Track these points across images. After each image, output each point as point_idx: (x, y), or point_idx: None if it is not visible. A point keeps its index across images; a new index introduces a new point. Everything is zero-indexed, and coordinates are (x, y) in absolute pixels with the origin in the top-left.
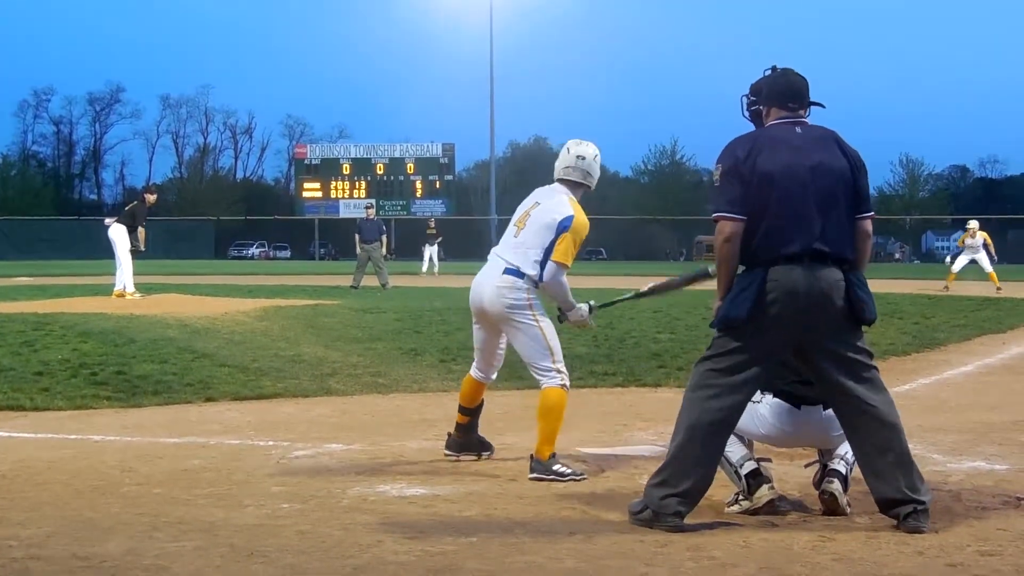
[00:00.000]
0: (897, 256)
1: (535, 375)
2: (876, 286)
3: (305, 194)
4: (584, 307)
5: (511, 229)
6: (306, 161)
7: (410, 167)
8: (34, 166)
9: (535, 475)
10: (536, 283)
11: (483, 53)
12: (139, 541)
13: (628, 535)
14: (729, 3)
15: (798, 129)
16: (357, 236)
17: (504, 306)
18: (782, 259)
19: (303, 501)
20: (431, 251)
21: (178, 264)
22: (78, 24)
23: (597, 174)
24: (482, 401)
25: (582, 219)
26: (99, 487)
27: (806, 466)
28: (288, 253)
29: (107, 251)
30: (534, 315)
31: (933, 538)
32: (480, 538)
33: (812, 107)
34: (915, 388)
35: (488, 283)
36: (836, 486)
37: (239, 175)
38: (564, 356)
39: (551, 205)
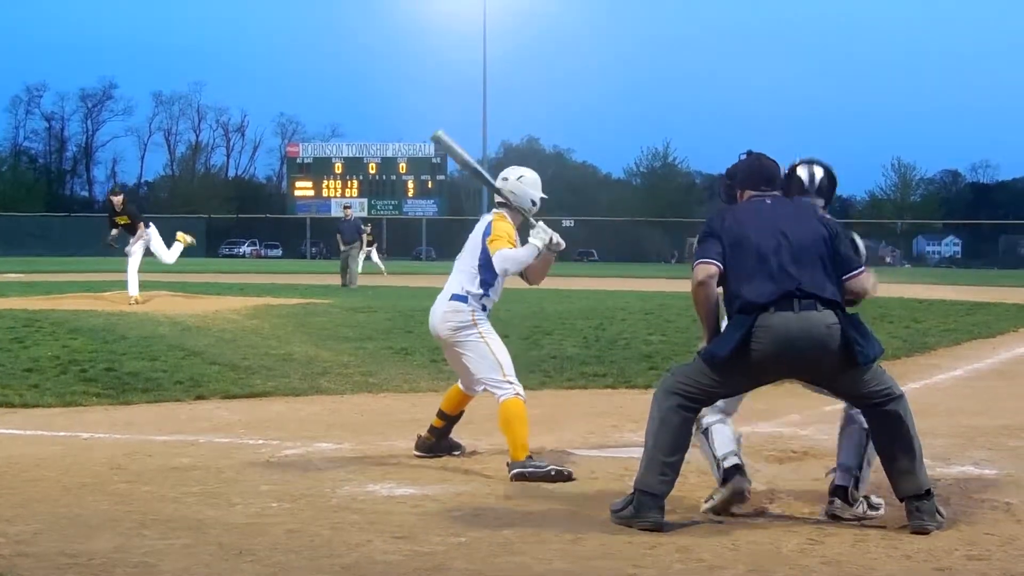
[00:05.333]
0: (888, 260)
1: (490, 390)
2: None
3: (297, 193)
4: (538, 229)
5: (457, 259)
6: (298, 160)
7: (402, 167)
8: (25, 162)
9: (515, 472)
10: (483, 297)
11: (476, 53)
12: (128, 538)
13: (617, 536)
14: (722, 6)
15: (768, 201)
16: (339, 236)
17: (449, 328)
18: (772, 307)
19: (292, 500)
20: (369, 251)
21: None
22: (71, 20)
23: (528, 192)
24: (462, 412)
25: (502, 224)
26: (88, 484)
27: (827, 475)
28: (279, 252)
29: (99, 248)
30: (479, 332)
31: (921, 542)
32: (469, 538)
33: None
34: (905, 392)
35: (437, 311)
36: (836, 505)
37: (231, 173)
38: (554, 357)
39: (478, 226)
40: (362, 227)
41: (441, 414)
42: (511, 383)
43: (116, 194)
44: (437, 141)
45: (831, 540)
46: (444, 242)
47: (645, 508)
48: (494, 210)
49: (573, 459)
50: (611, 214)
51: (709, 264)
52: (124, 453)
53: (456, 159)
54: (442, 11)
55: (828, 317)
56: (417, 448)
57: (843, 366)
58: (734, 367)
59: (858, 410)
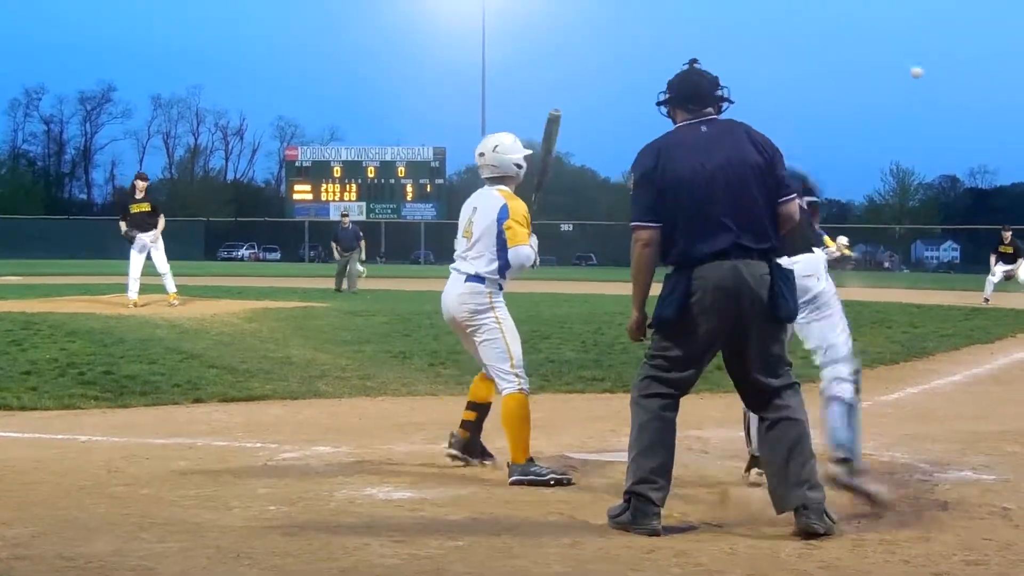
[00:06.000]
0: (886, 265)
1: (495, 378)
2: (867, 294)
3: (295, 196)
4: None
5: (461, 241)
6: (297, 163)
7: (401, 170)
8: (24, 165)
9: (515, 479)
10: (499, 280)
11: (475, 57)
12: (125, 542)
13: (615, 540)
14: (721, 10)
15: (703, 128)
16: (334, 244)
17: (467, 310)
18: (708, 257)
19: (290, 503)
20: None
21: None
22: (69, 23)
23: (509, 158)
24: (490, 402)
25: (516, 204)
26: (86, 487)
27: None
28: (278, 255)
29: (97, 251)
30: (496, 318)
31: (920, 547)
32: (467, 542)
33: (725, 103)
34: (903, 397)
35: (453, 293)
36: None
37: (230, 176)
38: (552, 361)
39: (487, 205)
40: (360, 234)
41: (471, 405)
42: (518, 376)
43: (144, 178)
44: (553, 121)
45: (829, 545)
46: (443, 246)
47: (642, 514)
48: (498, 187)
49: (571, 463)
50: (610, 218)
51: (650, 228)
52: (122, 456)
53: (546, 147)
54: (441, 14)
55: (761, 267)
56: (451, 447)
57: (764, 320)
58: (685, 327)
59: (834, 382)
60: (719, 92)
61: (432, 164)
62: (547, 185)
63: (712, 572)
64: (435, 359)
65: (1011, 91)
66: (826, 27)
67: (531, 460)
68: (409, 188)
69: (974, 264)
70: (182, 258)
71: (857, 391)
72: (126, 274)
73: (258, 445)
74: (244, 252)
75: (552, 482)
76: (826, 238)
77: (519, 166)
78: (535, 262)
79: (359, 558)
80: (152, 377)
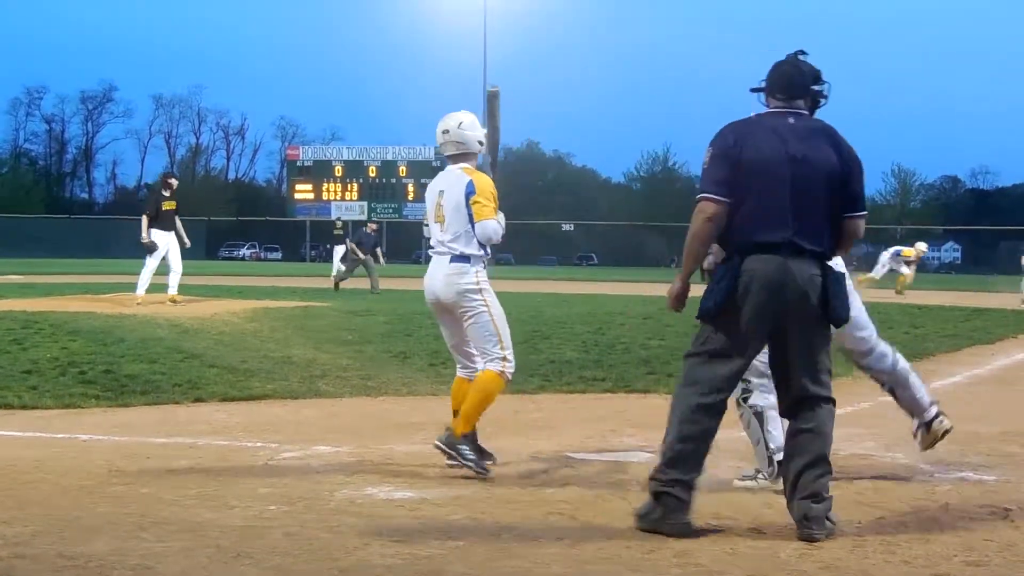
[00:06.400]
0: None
1: (479, 356)
2: (868, 295)
3: (297, 196)
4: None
5: (435, 226)
6: (298, 163)
7: (402, 170)
8: (25, 164)
9: (441, 446)
10: (483, 256)
11: (477, 57)
12: (125, 541)
13: (615, 541)
14: (723, 10)
15: (791, 119)
16: (356, 244)
17: (456, 291)
18: (757, 248)
19: (290, 503)
20: (342, 251)
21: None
22: (71, 22)
23: (472, 135)
24: None
25: (481, 179)
26: (86, 486)
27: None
28: (279, 254)
29: (98, 250)
30: (484, 300)
31: (920, 547)
32: (467, 542)
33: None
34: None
35: (439, 274)
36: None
37: (231, 176)
38: (553, 361)
39: (453, 186)
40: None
41: (457, 414)
42: (506, 359)
43: (176, 177)
44: (493, 96)
45: (829, 545)
46: None
47: (671, 510)
48: (461, 165)
49: (572, 463)
50: (611, 218)
51: (717, 203)
52: (122, 455)
53: (492, 124)
54: (442, 14)
55: (812, 268)
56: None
57: (810, 322)
58: (727, 319)
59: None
60: (816, 87)
61: (433, 164)
62: (496, 161)
63: (712, 573)
64: (436, 359)
65: (1013, 92)
66: (827, 28)
67: (467, 436)
68: (410, 188)
69: (975, 265)
70: (184, 257)
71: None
72: (128, 272)
73: (259, 445)
74: (245, 252)
75: (475, 469)
76: None
77: (481, 143)
78: (502, 235)
79: (359, 558)
80: (153, 376)
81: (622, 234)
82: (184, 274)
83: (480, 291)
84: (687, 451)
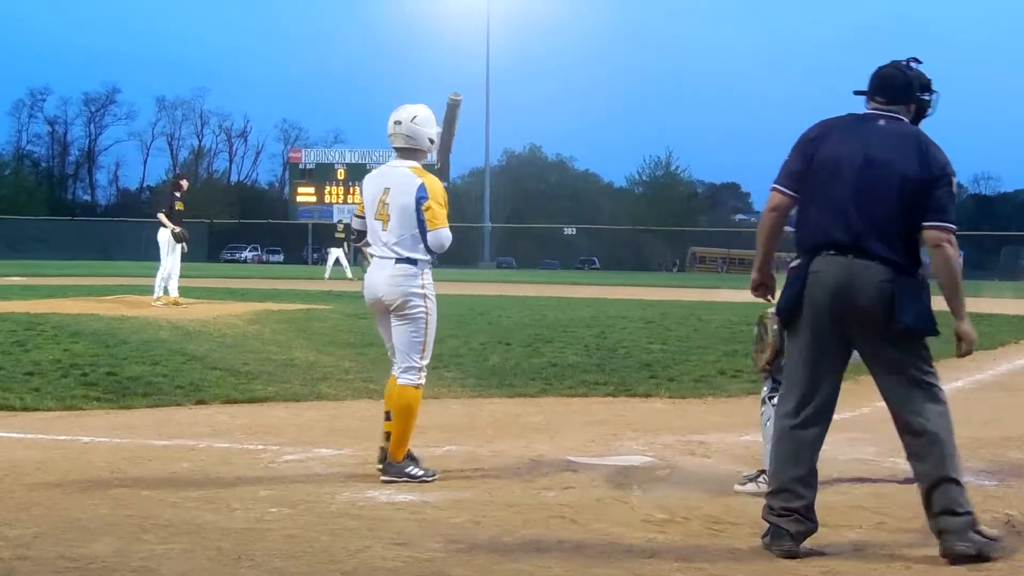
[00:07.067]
0: None
1: (398, 362)
2: None
3: (299, 198)
4: None
5: (375, 224)
6: (301, 166)
7: None
8: (28, 166)
9: (388, 478)
10: (429, 259)
11: (479, 61)
12: (127, 543)
13: (616, 544)
14: (725, 15)
15: (882, 122)
16: (367, 250)
17: (400, 292)
18: (826, 246)
19: (292, 505)
20: (337, 254)
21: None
22: (74, 24)
23: (425, 131)
24: None
25: (433, 183)
26: (88, 488)
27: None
28: (281, 257)
29: (101, 252)
30: (425, 307)
31: (922, 552)
32: (468, 545)
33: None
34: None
35: (382, 276)
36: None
37: (233, 178)
38: (555, 365)
39: (400, 185)
40: None
41: (389, 416)
42: (421, 370)
43: (186, 178)
44: (454, 105)
45: (831, 549)
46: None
47: (778, 536)
48: (409, 163)
49: (573, 467)
50: (613, 222)
51: (783, 194)
52: (124, 457)
53: (448, 130)
54: (446, 19)
55: (880, 273)
56: (381, 461)
57: (882, 331)
58: (797, 323)
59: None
60: (923, 96)
61: (435, 167)
62: (448, 169)
63: None
64: (437, 362)
65: (1015, 98)
66: (828, 33)
67: (409, 457)
68: None
69: (978, 270)
70: (185, 259)
71: None
72: (130, 275)
73: (260, 447)
74: (247, 254)
75: (424, 482)
76: None
77: (432, 141)
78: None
79: (360, 561)
80: (155, 379)
81: (624, 238)
82: (186, 276)
83: (424, 296)
84: (781, 469)
